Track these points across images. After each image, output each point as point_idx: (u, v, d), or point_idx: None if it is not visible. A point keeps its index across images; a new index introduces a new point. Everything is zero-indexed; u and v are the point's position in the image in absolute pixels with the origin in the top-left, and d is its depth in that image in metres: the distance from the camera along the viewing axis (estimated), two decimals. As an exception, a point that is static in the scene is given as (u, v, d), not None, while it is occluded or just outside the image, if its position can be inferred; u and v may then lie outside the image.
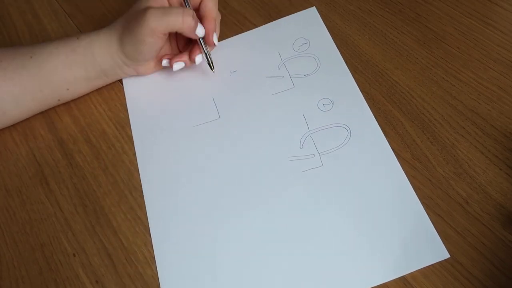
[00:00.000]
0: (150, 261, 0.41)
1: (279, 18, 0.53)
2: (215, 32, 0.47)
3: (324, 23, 0.51)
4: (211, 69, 0.49)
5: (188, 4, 0.46)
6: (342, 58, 0.48)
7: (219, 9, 0.48)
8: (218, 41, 0.49)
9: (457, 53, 0.47)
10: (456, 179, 0.40)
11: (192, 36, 0.46)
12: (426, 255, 0.37)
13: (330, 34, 0.50)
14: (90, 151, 0.48)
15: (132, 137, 0.48)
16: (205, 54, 0.47)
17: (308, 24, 0.51)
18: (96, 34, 0.47)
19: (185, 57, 0.48)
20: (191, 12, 0.44)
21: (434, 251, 0.37)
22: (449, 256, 0.37)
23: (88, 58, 0.47)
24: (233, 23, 0.54)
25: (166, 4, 0.47)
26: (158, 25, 0.44)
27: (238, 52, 0.50)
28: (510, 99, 0.43)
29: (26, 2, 0.62)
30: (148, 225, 0.43)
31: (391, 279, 0.37)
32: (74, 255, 0.43)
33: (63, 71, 0.47)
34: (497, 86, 0.44)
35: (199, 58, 0.48)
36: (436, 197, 0.40)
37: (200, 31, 0.46)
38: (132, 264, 0.42)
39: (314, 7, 0.52)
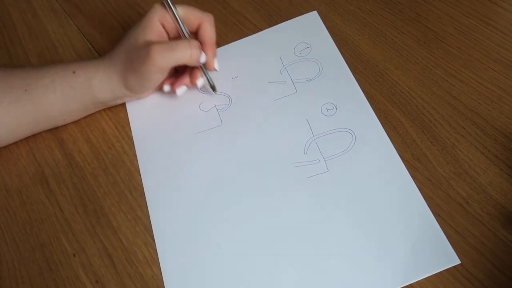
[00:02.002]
0: (150, 261, 0.41)
1: (279, 18, 0.53)
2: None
3: (324, 23, 0.51)
4: (213, 91, 0.48)
5: (186, 32, 0.45)
6: (345, 62, 0.48)
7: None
8: (219, 46, 0.48)
9: (457, 53, 0.47)
10: (456, 179, 0.40)
11: (196, 65, 0.46)
12: (436, 261, 0.37)
13: (331, 36, 0.50)
14: (90, 151, 0.48)
15: (132, 137, 0.48)
16: (207, 78, 0.47)
17: (309, 29, 0.51)
18: (95, 70, 0.45)
19: (186, 80, 0.47)
20: (197, 44, 0.44)
21: (444, 257, 0.37)
22: (459, 262, 0.37)
23: (87, 94, 0.46)
24: (233, 23, 0.54)
25: (165, 34, 0.45)
26: (165, 62, 0.43)
27: (239, 58, 0.50)
28: (510, 99, 0.43)
29: (26, 2, 0.62)
30: (148, 225, 0.43)
31: (400, 286, 0.37)
32: (74, 255, 0.43)
33: (61, 106, 0.46)
34: (497, 86, 0.44)
35: (200, 82, 0.47)
36: (436, 197, 0.40)
37: (202, 59, 0.45)
38: (132, 264, 0.42)
39: (315, 11, 0.52)
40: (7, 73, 0.46)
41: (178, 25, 0.45)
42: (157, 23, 0.44)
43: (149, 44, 0.43)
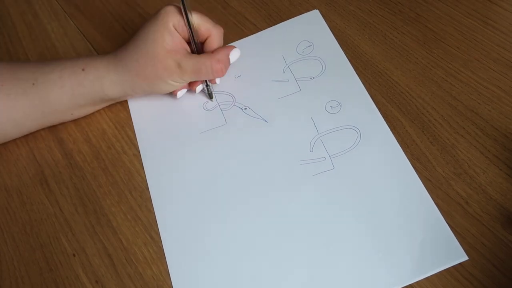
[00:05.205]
0: (150, 261, 0.41)
1: (279, 18, 0.53)
2: None
3: (324, 23, 0.51)
4: (210, 99, 0.49)
5: (196, 43, 0.45)
6: (347, 59, 0.48)
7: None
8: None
9: (457, 53, 0.47)
10: (456, 179, 0.40)
11: None
12: (444, 257, 0.37)
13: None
14: (90, 151, 0.48)
15: (132, 137, 0.48)
16: (206, 85, 0.48)
17: (311, 27, 0.51)
18: (105, 69, 0.45)
19: (185, 85, 0.48)
20: (218, 66, 0.44)
21: (452, 253, 0.37)
22: (467, 258, 0.37)
23: (97, 91, 0.45)
24: (234, 24, 0.54)
25: (182, 40, 0.44)
26: (190, 78, 0.45)
27: (241, 57, 0.49)
28: (510, 99, 0.43)
29: (26, 2, 0.62)
30: (148, 225, 0.43)
31: (408, 283, 0.37)
32: (74, 255, 0.43)
33: (68, 102, 0.46)
34: (497, 86, 0.44)
35: (199, 88, 0.48)
36: (436, 197, 0.40)
37: None
38: (132, 264, 0.42)
39: (317, 10, 0.52)
40: (14, 66, 0.46)
41: (190, 34, 0.44)
42: (172, 29, 0.43)
43: (178, 60, 0.43)
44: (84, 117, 0.50)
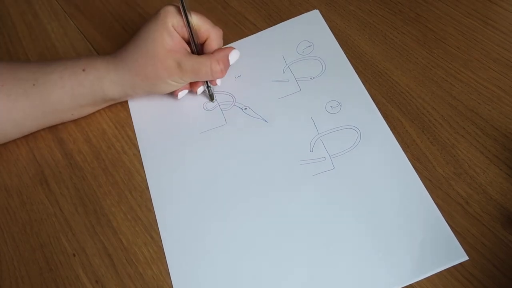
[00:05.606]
0: (150, 261, 0.41)
1: (279, 18, 0.53)
2: None
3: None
4: (211, 100, 0.49)
5: (195, 43, 0.45)
6: (347, 59, 0.48)
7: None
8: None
9: (457, 53, 0.47)
10: (456, 179, 0.40)
11: None
12: (444, 257, 0.37)
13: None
14: (90, 151, 0.48)
15: (132, 137, 0.48)
16: (208, 88, 0.48)
17: (311, 27, 0.51)
18: (105, 69, 0.45)
19: (187, 85, 0.48)
20: (217, 67, 0.44)
21: (452, 253, 0.37)
22: (467, 258, 0.37)
23: (97, 91, 0.45)
24: (233, 24, 0.54)
25: (182, 40, 0.44)
26: (190, 79, 0.45)
27: (241, 57, 0.49)
28: (510, 99, 0.43)
29: (26, 3, 0.62)
30: (148, 225, 0.43)
31: (407, 283, 0.37)
32: (74, 255, 0.43)
33: (69, 102, 0.46)
34: (497, 86, 0.44)
35: (200, 89, 0.48)
36: (436, 197, 0.40)
37: None
38: (132, 264, 0.42)
39: (317, 10, 0.52)
40: (14, 66, 0.46)
41: (189, 35, 0.44)
42: (171, 29, 0.43)
43: (177, 60, 0.43)
44: (84, 117, 0.50)
